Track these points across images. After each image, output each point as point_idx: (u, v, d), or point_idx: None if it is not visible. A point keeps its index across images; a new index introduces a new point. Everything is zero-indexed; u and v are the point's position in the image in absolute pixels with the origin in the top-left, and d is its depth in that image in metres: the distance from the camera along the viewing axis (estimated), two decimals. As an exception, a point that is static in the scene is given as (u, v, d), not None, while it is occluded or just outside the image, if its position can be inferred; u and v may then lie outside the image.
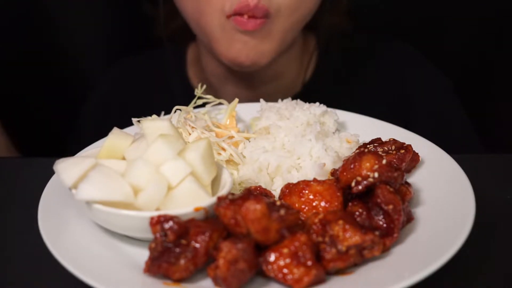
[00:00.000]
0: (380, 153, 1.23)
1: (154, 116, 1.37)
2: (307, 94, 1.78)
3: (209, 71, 1.82)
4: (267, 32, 1.55)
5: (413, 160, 1.25)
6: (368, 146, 1.28)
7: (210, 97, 1.44)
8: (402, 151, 1.23)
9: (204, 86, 1.46)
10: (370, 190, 1.10)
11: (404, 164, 1.22)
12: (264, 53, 1.58)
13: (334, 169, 1.24)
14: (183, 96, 1.78)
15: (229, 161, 1.29)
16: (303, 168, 1.25)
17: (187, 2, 1.59)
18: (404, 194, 1.13)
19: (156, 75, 1.93)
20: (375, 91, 1.85)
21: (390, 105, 1.83)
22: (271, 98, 1.66)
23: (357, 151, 1.25)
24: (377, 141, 1.29)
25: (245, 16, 1.51)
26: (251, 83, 1.77)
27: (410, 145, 1.25)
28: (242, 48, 1.55)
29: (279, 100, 1.44)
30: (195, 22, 1.62)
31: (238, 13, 1.51)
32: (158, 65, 1.93)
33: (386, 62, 1.87)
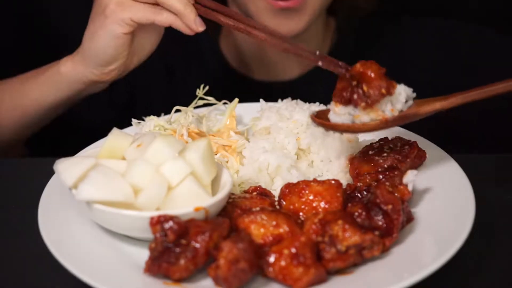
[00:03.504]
0: (385, 150, 1.25)
1: (153, 117, 1.37)
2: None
3: (239, 38, 1.85)
4: (303, 5, 1.60)
5: (419, 157, 1.26)
6: (374, 144, 1.29)
7: (211, 99, 1.45)
8: (407, 147, 1.24)
9: (207, 87, 1.46)
10: (369, 190, 1.10)
11: (408, 160, 1.23)
12: (301, 24, 1.63)
13: (351, 155, 1.27)
14: (214, 64, 1.85)
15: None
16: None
17: None
18: (402, 194, 1.13)
19: (188, 41, 1.93)
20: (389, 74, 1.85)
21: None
22: (296, 64, 1.78)
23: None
24: (383, 140, 1.30)
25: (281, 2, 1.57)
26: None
27: (415, 142, 1.26)
28: (281, 23, 1.61)
29: (279, 100, 1.44)
30: None
31: None
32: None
33: (398, 46, 1.88)
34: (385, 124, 1.15)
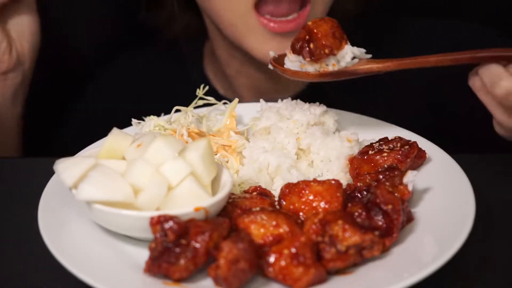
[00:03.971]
0: (385, 150, 1.25)
1: (153, 117, 1.37)
2: (318, 84, 1.78)
3: (224, 64, 1.80)
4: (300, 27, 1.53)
5: (419, 157, 1.26)
6: (374, 144, 1.29)
7: (211, 99, 1.45)
8: (407, 147, 1.25)
9: (207, 87, 1.46)
10: (369, 190, 1.10)
11: (408, 160, 1.24)
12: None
13: (351, 155, 1.28)
14: (199, 86, 1.79)
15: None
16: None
17: None
18: (402, 194, 1.13)
19: (172, 66, 1.91)
20: (384, 78, 1.82)
21: (397, 93, 1.81)
22: (286, 89, 1.70)
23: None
24: (383, 140, 1.31)
25: (274, 24, 1.51)
26: (267, 75, 1.75)
27: (415, 142, 1.26)
28: (274, 47, 1.50)
29: (279, 100, 1.44)
30: (216, 13, 1.58)
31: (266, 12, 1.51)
32: (174, 57, 1.91)
33: (397, 47, 1.86)
34: (325, 76, 1.27)
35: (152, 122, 1.37)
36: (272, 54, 1.34)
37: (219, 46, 1.78)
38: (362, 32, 1.84)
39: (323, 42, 1.25)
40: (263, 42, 1.54)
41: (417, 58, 1.23)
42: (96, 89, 1.95)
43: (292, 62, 1.30)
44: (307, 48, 1.25)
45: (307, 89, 1.81)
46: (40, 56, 1.80)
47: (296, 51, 1.27)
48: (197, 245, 1.00)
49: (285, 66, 1.31)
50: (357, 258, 1.02)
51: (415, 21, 1.89)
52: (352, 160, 1.27)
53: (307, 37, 1.26)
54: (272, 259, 1.00)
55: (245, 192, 1.20)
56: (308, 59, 1.26)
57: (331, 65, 1.27)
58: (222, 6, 1.55)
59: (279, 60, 1.33)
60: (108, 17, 2.07)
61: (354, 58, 1.27)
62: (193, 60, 1.88)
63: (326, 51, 1.24)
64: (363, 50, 1.28)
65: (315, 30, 1.25)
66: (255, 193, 1.18)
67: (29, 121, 1.91)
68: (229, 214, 1.11)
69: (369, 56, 1.29)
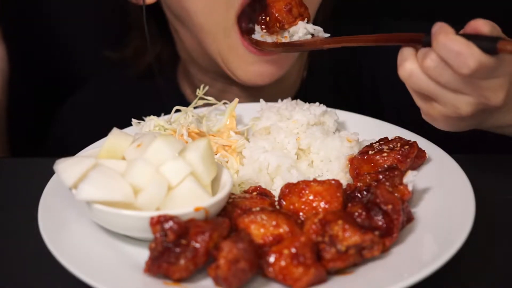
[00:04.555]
0: (385, 150, 1.25)
1: (153, 117, 1.37)
2: (305, 92, 1.77)
3: (202, 83, 1.78)
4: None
5: (419, 157, 1.26)
6: (374, 144, 1.29)
7: (211, 99, 1.45)
8: (407, 147, 1.25)
9: (207, 87, 1.46)
10: (369, 190, 1.10)
11: (408, 160, 1.24)
12: (285, 67, 1.56)
13: (351, 155, 1.28)
14: (174, 104, 1.74)
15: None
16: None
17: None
18: (402, 194, 1.13)
19: (147, 85, 1.88)
20: (372, 77, 1.81)
21: (385, 90, 1.80)
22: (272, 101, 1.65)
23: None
24: (383, 140, 1.31)
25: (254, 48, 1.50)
26: (252, 92, 1.73)
27: (415, 142, 1.26)
28: (263, 70, 1.52)
29: (279, 100, 1.44)
30: (198, 26, 1.53)
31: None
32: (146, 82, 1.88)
33: (379, 49, 1.84)
34: (278, 46, 1.44)
35: (152, 122, 1.37)
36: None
37: (198, 71, 1.74)
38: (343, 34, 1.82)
39: (276, 16, 1.42)
40: (245, 65, 1.53)
41: (353, 37, 1.29)
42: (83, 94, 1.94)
43: (258, 33, 1.47)
44: (263, 21, 1.44)
45: (297, 94, 1.80)
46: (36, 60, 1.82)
47: (259, 23, 1.46)
48: (197, 245, 1.00)
49: (253, 36, 1.47)
50: (357, 258, 1.02)
51: (396, 23, 1.87)
52: (352, 160, 1.27)
53: (265, 11, 1.44)
54: (272, 259, 1.00)
55: (245, 192, 1.20)
56: (264, 30, 1.44)
57: (284, 38, 1.44)
58: (204, 18, 1.50)
59: (250, 31, 1.49)
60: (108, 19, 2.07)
61: (312, 35, 1.42)
62: (167, 84, 1.83)
63: (278, 25, 1.42)
64: (320, 29, 1.41)
65: (271, 5, 1.43)
66: (255, 193, 1.18)
67: (24, 122, 1.91)
68: (229, 214, 1.11)
69: (327, 35, 1.40)
